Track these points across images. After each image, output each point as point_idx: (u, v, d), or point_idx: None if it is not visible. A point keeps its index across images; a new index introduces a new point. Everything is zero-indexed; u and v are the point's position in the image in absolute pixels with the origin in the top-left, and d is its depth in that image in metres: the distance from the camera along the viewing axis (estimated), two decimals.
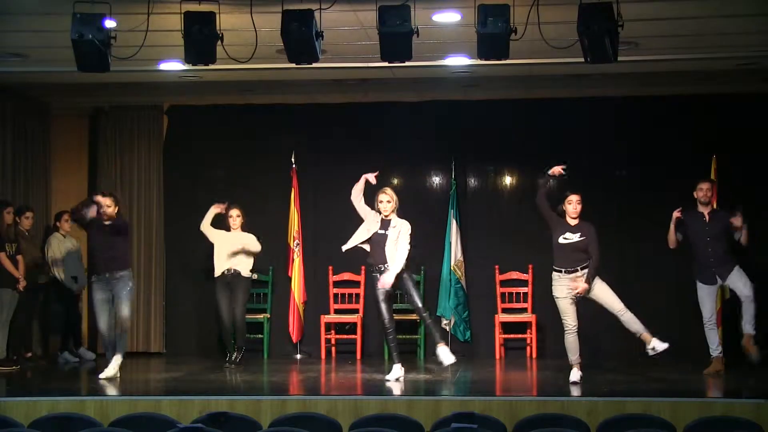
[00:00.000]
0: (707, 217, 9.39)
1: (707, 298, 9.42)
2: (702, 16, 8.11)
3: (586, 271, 8.78)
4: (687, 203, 9.55)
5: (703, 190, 9.38)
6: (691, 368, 9.55)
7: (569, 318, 8.83)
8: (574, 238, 8.83)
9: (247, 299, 10.80)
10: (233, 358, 10.52)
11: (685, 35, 8.69)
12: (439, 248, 11.35)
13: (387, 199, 9.22)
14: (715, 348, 9.42)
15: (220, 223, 10.71)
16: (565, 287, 8.81)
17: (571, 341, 8.87)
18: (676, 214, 9.37)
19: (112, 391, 8.76)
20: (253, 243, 10.67)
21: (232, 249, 10.56)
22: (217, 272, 10.59)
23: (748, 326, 9.26)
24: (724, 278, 9.37)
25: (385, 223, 9.20)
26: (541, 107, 11.40)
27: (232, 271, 10.58)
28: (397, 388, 8.80)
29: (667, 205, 10.47)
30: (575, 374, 8.86)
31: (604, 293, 8.91)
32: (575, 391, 8.43)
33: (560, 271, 8.83)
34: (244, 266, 10.63)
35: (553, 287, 8.88)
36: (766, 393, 7.66)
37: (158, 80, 10.45)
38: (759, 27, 8.40)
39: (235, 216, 10.64)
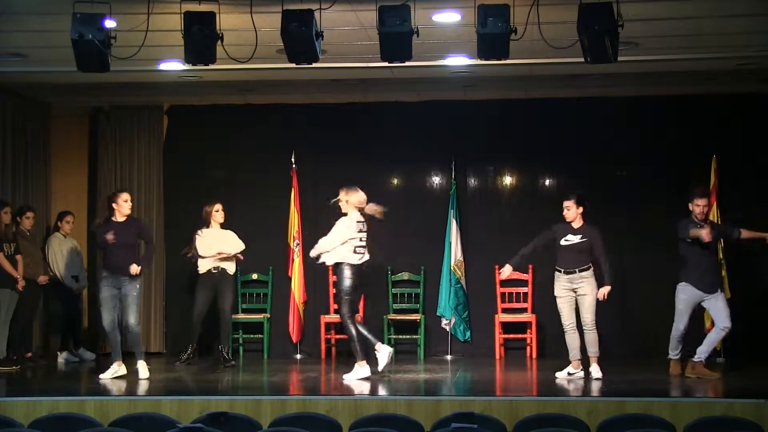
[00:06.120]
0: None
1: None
2: (701, 16, 8.10)
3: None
4: (687, 204, 9.55)
5: (700, 207, 9.16)
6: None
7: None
8: (575, 239, 9.15)
9: (234, 297, 10.96)
10: (189, 356, 10.61)
11: (684, 35, 8.69)
12: (439, 248, 11.35)
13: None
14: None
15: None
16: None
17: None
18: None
19: (112, 391, 8.77)
20: (234, 244, 10.68)
21: (216, 248, 10.57)
22: (202, 269, 10.60)
23: (702, 354, 9.14)
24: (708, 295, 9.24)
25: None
26: (541, 107, 11.39)
27: (219, 269, 10.62)
28: (366, 388, 8.75)
29: (667, 205, 10.49)
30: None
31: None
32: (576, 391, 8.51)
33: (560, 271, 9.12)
34: (230, 264, 10.70)
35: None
36: (766, 393, 7.66)
37: (158, 80, 10.45)
38: (759, 27, 8.40)
39: (221, 210, 10.68)
